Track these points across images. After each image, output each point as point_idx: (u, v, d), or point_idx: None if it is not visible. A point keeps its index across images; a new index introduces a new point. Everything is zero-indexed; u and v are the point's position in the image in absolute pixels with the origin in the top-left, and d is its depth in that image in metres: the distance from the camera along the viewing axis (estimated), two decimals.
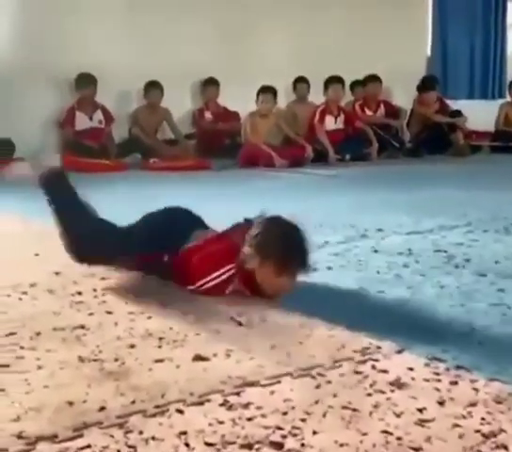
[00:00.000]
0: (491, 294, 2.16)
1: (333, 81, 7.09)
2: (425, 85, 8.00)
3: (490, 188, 4.72)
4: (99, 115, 6.73)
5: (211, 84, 7.45)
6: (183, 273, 2.19)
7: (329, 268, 2.50)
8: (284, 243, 2.10)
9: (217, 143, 7.19)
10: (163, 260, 2.25)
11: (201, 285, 2.12)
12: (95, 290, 2.22)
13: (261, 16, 7.69)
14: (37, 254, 2.73)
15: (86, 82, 6.60)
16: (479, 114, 8.15)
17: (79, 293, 2.18)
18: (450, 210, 3.75)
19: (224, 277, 2.12)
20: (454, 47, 9.32)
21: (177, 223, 2.36)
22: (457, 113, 7.86)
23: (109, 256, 2.36)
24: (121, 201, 3.97)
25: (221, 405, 1.38)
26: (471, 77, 9.46)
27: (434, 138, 7.59)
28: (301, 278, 2.14)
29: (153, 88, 6.98)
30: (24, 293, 2.19)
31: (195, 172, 5.95)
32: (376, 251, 2.77)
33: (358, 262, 2.61)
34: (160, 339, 1.75)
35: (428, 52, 9.27)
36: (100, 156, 6.33)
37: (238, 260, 2.11)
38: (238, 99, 7.23)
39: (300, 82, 7.70)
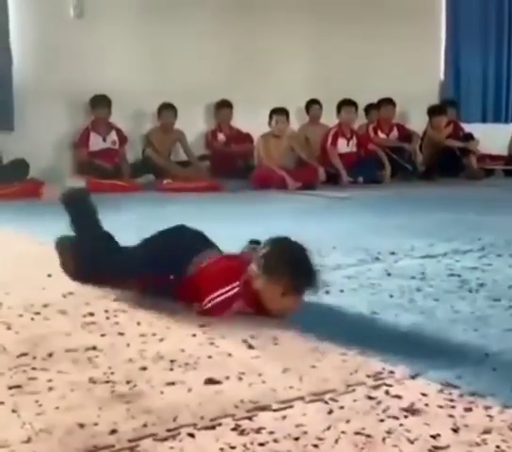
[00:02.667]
0: (506, 319, 2.14)
1: (346, 104, 7.12)
2: (436, 109, 8.02)
3: (504, 212, 4.70)
4: (113, 136, 6.77)
5: (224, 106, 7.49)
6: (192, 291, 2.20)
7: (342, 291, 2.49)
8: (290, 263, 2.12)
9: (230, 165, 7.21)
10: (169, 279, 2.26)
11: (209, 301, 2.13)
12: (107, 311, 2.21)
13: (275, 39, 7.75)
14: (50, 275, 2.73)
15: (100, 103, 6.65)
16: (492, 138, 8.15)
17: (91, 314, 2.18)
18: (464, 234, 3.73)
19: (230, 294, 2.14)
20: (467, 71, 9.34)
21: (180, 242, 2.39)
22: (470, 136, 7.86)
23: (107, 277, 2.43)
24: (134, 221, 3.98)
25: (233, 429, 1.37)
26: (484, 101, 9.46)
27: (447, 162, 7.59)
28: (313, 299, 2.14)
29: (167, 109, 7.02)
30: (37, 313, 2.19)
31: (208, 194, 5.96)
32: (388, 275, 2.76)
33: (370, 285, 2.59)
34: (172, 361, 1.75)
35: (441, 76, 9.30)
36: (113, 177, 6.36)
37: (244, 278, 2.13)
38: (251, 121, 7.26)
39: (313, 104, 7.73)
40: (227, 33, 7.45)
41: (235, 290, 2.14)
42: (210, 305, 2.14)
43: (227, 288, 2.14)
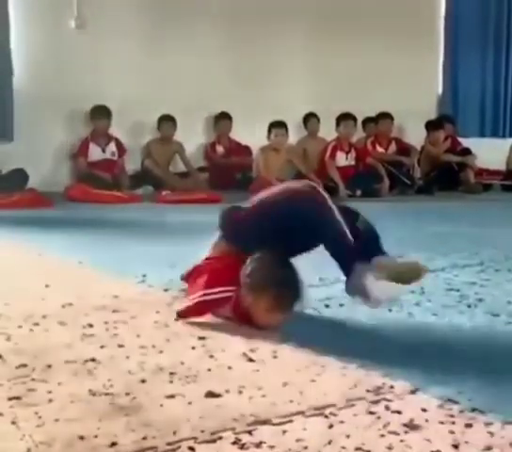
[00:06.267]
0: (505, 335, 2.14)
1: (345, 117, 7.15)
2: (434, 124, 8.05)
3: (503, 226, 4.71)
4: (112, 147, 6.79)
5: (223, 118, 7.52)
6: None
7: (341, 305, 2.49)
8: (272, 281, 2.13)
9: (229, 177, 7.23)
10: None
11: (203, 295, 2.19)
12: (107, 323, 2.21)
13: (274, 53, 7.79)
14: (47, 286, 2.73)
15: (100, 114, 6.68)
16: (490, 152, 8.18)
17: (90, 325, 2.18)
18: (462, 248, 3.73)
19: (225, 295, 2.19)
20: (465, 85, 9.39)
21: None
22: (467, 151, 7.89)
23: None
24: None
25: (233, 443, 1.37)
26: (481, 116, 9.51)
27: (444, 177, 7.63)
28: (313, 313, 2.14)
29: (167, 121, 7.05)
30: (36, 324, 2.19)
31: (206, 205, 5.96)
32: None
33: None
34: (171, 374, 1.74)
35: (440, 90, 9.34)
36: (112, 188, 6.38)
37: (237, 293, 2.17)
38: (250, 134, 7.29)
39: (311, 117, 7.76)
40: (227, 47, 7.49)
41: (230, 294, 2.18)
42: (202, 299, 2.19)
43: (224, 288, 2.19)
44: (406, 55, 8.56)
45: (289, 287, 2.14)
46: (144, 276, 2.89)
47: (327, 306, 2.41)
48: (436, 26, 9.19)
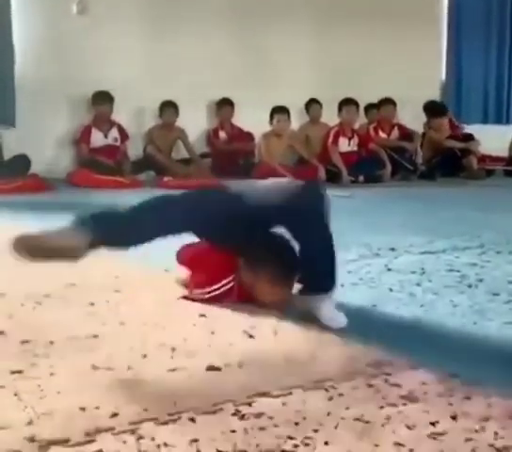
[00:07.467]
0: (504, 312, 2.15)
1: (347, 103, 7.13)
2: (436, 110, 8.02)
3: (505, 211, 4.70)
4: (114, 133, 6.78)
5: (225, 104, 7.50)
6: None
7: (342, 286, 2.49)
8: (275, 255, 2.14)
9: (231, 163, 7.21)
10: None
11: (207, 293, 2.20)
12: (108, 302, 2.22)
13: (276, 39, 7.75)
14: (50, 267, 2.73)
15: (102, 100, 6.66)
16: (493, 139, 8.15)
17: (92, 304, 2.19)
18: (463, 231, 3.74)
19: (227, 287, 2.19)
20: (468, 72, 9.34)
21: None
22: (470, 137, 7.87)
23: None
24: None
25: (233, 414, 1.38)
26: (485, 102, 9.48)
27: (447, 162, 7.61)
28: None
29: (169, 107, 7.03)
30: (39, 303, 2.20)
31: None
32: (388, 270, 2.77)
33: (370, 279, 2.60)
34: (173, 350, 1.76)
35: (443, 76, 9.31)
36: (115, 174, 6.37)
37: (236, 275, 2.18)
38: (252, 120, 7.27)
39: (313, 103, 7.73)
40: (229, 32, 7.46)
41: (231, 284, 2.19)
42: (207, 296, 2.20)
43: (227, 280, 2.19)
44: (409, 41, 8.52)
45: (289, 259, 2.14)
46: (145, 257, 2.90)
47: None
48: (439, 13, 9.14)
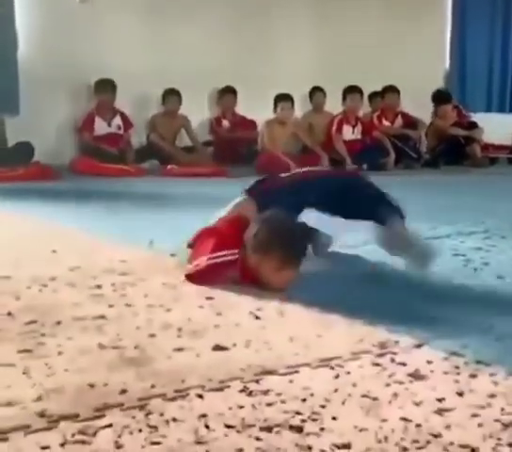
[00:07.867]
0: (510, 293, 2.16)
1: (351, 91, 7.12)
2: (441, 97, 8.01)
3: (509, 199, 4.70)
4: (117, 121, 6.78)
5: (228, 92, 7.48)
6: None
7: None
8: (281, 239, 2.16)
9: (234, 151, 7.22)
10: None
11: (208, 259, 2.21)
12: (114, 284, 2.23)
13: (279, 26, 7.74)
14: (54, 251, 2.75)
15: (105, 87, 6.65)
16: (497, 127, 8.14)
17: (98, 286, 2.20)
18: (467, 217, 3.74)
19: (229, 258, 2.21)
20: (472, 60, 9.32)
21: None
22: (474, 125, 7.86)
23: None
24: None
25: (241, 391, 1.39)
26: (488, 90, 9.46)
27: (451, 151, 7.61)
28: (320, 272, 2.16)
29: (172, 95, 7.02)
30: (44, 285, 2.21)
31: (211, 179, 5.98)
32: None
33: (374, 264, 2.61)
34: (179, 330, 1.77)
35: (447, 65, 9.28)
36: (118, 162, 6.37)
37: (241, 254, 2.19)
38: (255, 108, 7.26)
39: (316, 91, 7.72)
40: (231, 20, 7.44)
41: (236, 256, 2.20)
42: (209, 263, 2.20)
43: (230, 252, 2.21)
44: (413, 29, 8.50)
45: (295, 246, 2.16)
46: (151, 242, 2.91)
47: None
48: (444, 1, 9.11)
